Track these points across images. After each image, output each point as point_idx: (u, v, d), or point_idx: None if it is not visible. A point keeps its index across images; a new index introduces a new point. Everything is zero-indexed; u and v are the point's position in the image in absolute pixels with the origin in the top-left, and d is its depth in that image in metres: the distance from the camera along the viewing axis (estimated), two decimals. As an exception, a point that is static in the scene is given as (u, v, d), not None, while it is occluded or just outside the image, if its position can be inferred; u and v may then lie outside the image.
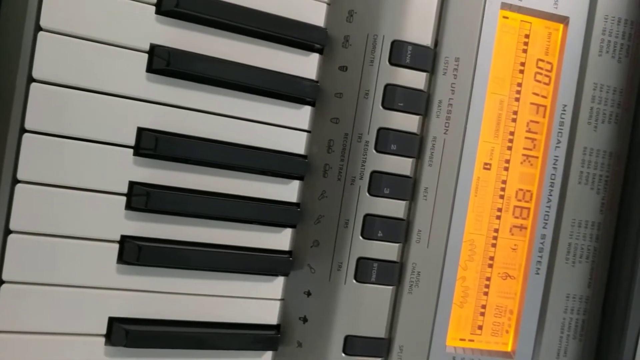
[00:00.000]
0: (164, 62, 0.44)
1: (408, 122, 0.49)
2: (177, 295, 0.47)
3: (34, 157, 0.42)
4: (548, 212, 0.52)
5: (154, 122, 0.45)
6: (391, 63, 0.48)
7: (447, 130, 0.50)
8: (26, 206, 0.42)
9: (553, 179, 0.52)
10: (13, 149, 0.42)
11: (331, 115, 0.49)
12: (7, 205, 0.41)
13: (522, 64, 0.52)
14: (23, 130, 0.41)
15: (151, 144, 0.44)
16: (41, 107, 0.42)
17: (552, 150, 0.52)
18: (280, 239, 0.49)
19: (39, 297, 0.43)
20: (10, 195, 0.41)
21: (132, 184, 0.45)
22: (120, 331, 0.45)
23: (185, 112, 0.46)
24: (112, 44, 0.43)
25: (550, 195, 0.52)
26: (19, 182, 0.41)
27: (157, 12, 0.44)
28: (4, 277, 0.42)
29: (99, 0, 0.42)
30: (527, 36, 0.52)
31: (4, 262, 0.42)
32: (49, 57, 0.42)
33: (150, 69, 0.44)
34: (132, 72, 0.44)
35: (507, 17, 0.51)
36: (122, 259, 0.45)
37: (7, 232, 0.42)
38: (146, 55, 0.44)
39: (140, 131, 0.45)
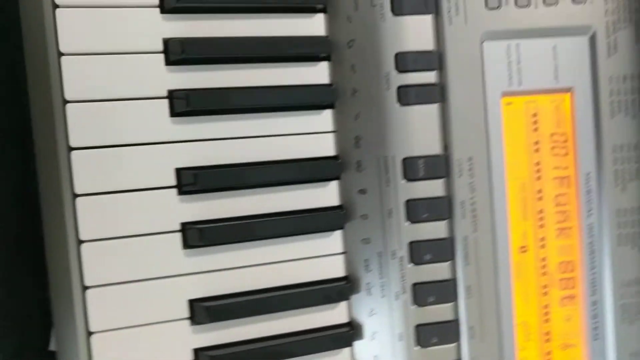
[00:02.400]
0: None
1: (436, 229, 0.56)
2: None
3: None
4: (594, 277, 0.59)
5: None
6: (407, 179, 0.56)
7: (475, 227, 0.57)
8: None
9: (592, 246, 0.58)
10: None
11: (361, 236, 0.58)
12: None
13: (537, 143, 0.59)
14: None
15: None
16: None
17: (585, 218, 0.58)
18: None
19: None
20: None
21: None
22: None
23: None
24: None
25: (593, 261, 0.59)
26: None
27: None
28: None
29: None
30: (535, 115, 0.59)
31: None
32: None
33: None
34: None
35: (510, 103, 0.58)
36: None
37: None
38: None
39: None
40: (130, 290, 0.52)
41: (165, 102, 0.53)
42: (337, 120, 0.57)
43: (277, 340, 0.56)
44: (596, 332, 0.59)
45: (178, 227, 0.54)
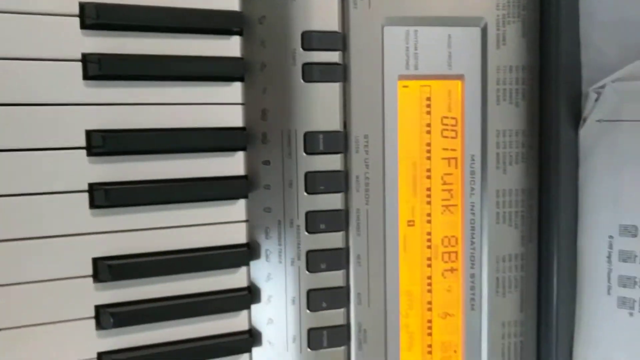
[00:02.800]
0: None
1: (332, 201, 0.61)
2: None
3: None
4: (473, 253, 0.65)
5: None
6: (307, 152, 0.60)
7: (367, 200, 0.62)
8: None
9: (473, 223, 0.65)
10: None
11: (264, 205, 0.62)
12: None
13: (428, 125, 0.64)
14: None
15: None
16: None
17: (468, 197, 0.64)
18: (239, 323, 0.64)
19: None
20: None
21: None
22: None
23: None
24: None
25: (473, 237, 0.65)
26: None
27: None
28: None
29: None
30: (428, 98, 0.64)
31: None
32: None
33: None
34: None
35: (406, 86, 0.63)
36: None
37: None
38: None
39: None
40: (35, 246, 0.55)
41: (79, 64, 0.55)
42: (246, 93, 0.61)
43: (179, 300, 0.60)
44: (473, 302, 0.66)
45: (86, 187, 0.56)
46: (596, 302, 0.64)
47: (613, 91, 0.63)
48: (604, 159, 0.63)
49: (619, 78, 0.62)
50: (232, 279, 0.62)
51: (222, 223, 0.62)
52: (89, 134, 0.56)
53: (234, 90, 0.61)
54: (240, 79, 0.61)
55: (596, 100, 0.64)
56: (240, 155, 0.62)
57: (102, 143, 0.56)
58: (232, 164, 0.62)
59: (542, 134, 0.65)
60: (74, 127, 0.55)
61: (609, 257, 0.63)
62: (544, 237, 0.66)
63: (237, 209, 0.62)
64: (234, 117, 0.61)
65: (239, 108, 0.61)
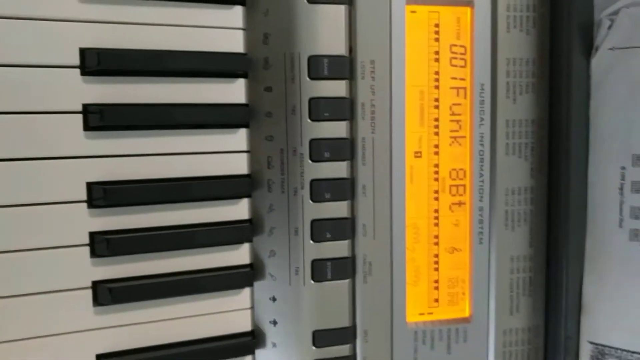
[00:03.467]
0: (98, 118, 0.55)
1: (336, 129, 0.59)
2: (157, 323, 0.59)
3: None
4: (482, 185, 0.63)
5: (101, 175, 0.55)
6: (311, 77, 0.58)
7: (374, 129, 0.60)
8: None
9: (482, 155, 0.63)
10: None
11: (265, 133, 0.60)
12: None
13: (437, 52, 0.62)
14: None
15: (100, 195, 0.55)
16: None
17: (477, 127, 0.63)
18: (240, 255, 0.62)
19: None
20: None
21: (92, 234, 0.56)
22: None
23: (127, 159, 0.57)
24: (46, 112, 0.53)
25: (482, 170, 0.63)
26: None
27: (82, 73, 0.54)
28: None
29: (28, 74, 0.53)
30: (437, 25, 0.62)
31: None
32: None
33: (87, 127, 0.55)
34: (71, 132, 0.54)
35: (414, 12, 0.61)
36: (97, 301, 0.57)
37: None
38: (81, 115, 0.54)
39: (90, 185, 0.55)
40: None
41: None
42: (247, 15, 0.59)
43: (180, 229, 0.59)
44: (481, 236, 0.64)
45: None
46: (607, 236, 0.62)
47: (627, 17, 0.61)
48: (617, 88, 0.61)
49: (633, 3, 0.60)
50: (233, 210, 0.61)
51: (223, 152, 0.60)
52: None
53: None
54: (242, 3, 0.59)
55: (609, 27, 0.62)
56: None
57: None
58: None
59: (552, 63, 0.63)
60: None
61: (621, 188, 0.62)
62: (554, 169, 0.64)
63: (238, 138, 0.60)
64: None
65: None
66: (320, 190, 0.60)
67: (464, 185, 0.64)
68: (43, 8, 0.53)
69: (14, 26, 0.52)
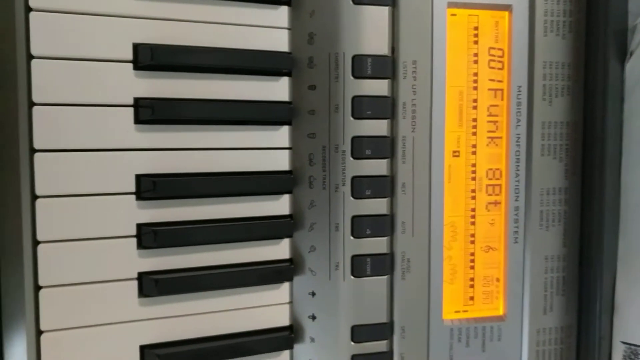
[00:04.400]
0: (149, 112, 0.57)
1: (378, 127, 0.60)
2: (199, 316, 0.60)
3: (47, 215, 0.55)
4: (517, 185, 0.65)
5: (149, 168, 0.57)
6: (354, 76, 0.60)
7: (414, 128, 0.62)
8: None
9: (518, 155, 0.64)
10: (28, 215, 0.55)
11: (308, 131, 0.62)
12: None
13: (475, 55, 0.64)
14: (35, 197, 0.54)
15: (149, 187, 0.56)
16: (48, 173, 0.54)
17: (514, 129, 0.64)
18: (281, 250, 0.63)
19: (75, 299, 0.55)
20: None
21: (139, 226, 0.57)
22: (154, 357, 0.58)
23: (176, 152, 0.58)
24: (99, 104, 0.55)
25: (518, 170, 0.65)
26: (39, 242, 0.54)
27: (135, 67, 0.56)
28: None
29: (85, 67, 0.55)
30: (476, 28, 0.64)
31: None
32: (46, 126, 0.54)
33: (138, 120, 0.56)
34: (123, 125, 0.56)
35: (455, 15, 0.62)
36: (142, 292, 0.58)
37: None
38: (132, 108, 0.56)
39: (139, 177, 0.57)
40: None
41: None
42: (293, 16, 0.61)
43: (225, 223, 0.60)
44: (516, 236, 0.65)
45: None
46: (641, 237, 0.63)
47: (661, 23, 0.62)
48: (651, 92, 0.63)
49: (668, 9, 0.62)
50: (275, 206, 0.62)
51: (267, 149, 0.61)
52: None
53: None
54: (288, 3, 0.61)
55: (643, 33, 0.63)
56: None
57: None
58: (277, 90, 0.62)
59: (587, 67, 0.65)
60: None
61: (654, 190, 0.63)
62: (588, 171, 0.65)
63: (281, 134, 0.62)
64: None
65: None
66: (361, 187, 0.61)
67: (500, 185, 0.65)
68: (100, 4, 0.54)
69: (72, 21, 0.53)
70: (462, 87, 0.63)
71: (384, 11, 0.60)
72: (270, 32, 0.60)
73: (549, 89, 0.64)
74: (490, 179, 0.65)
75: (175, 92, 0.57)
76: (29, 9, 0.52)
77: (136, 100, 0.56)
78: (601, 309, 0.65)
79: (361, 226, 0.61)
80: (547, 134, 0.64)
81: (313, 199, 0.62)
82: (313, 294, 0.62)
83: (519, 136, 0.64)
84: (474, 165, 0.64)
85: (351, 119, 0.60)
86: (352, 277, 0.62)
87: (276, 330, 0.63)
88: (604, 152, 0.64)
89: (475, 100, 0.64)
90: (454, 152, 0.64)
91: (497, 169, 0.65)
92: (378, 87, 0.61)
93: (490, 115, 0.64)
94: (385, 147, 0.61)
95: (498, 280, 0.66)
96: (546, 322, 0.66)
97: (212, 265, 0.60)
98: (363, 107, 0.60)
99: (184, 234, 0.58)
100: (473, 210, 0.65)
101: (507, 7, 0.63)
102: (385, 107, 0.61)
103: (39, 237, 0.54)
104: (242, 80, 0.60)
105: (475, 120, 0.64)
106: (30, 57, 0.53)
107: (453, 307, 0.65)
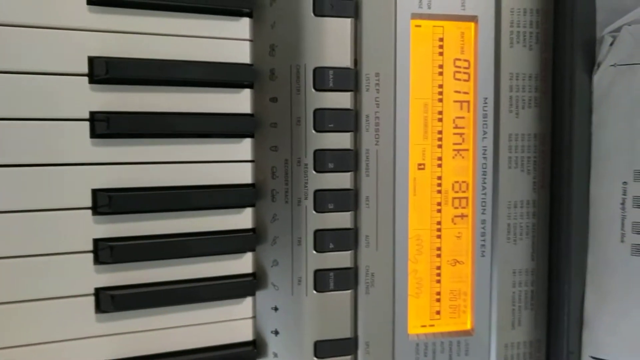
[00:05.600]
0: (105, 125, 0.55)
1: (341, 140, 0.59)
2: (159, 331, 0.59)
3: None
4: (484, 198, 0.64)
5: (106, 182, 0.56)
6: (316, 89, 0.59)
7: (377, 141, 0.61)
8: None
9: (485, 168, 0.63)
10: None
11: (270, 144, 0.61)
12: None
13: (441, 66, 0.63)
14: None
15: (105, 202, 0.56)
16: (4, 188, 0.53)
17: (480, 141, 0.63)
18: (243, 264, 0.62)
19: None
20: None
21: (96, 241, 0.56)
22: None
23: (133, 167, 0.57)
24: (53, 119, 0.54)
25: (484, 182, 0.64)
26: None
27: (90, 81, 0.55)
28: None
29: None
30: (441, 39, 0.63)
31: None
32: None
33: (94, 134, 0.55)
34: (79, 140, 0.55)
35: (419, 26, 0.62)
36: (99, 308, 0.57)
37: None
38: (88, 122, 0.55)
39: (95, 192, 0.56)
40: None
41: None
42: (255, 27, 0.60)
43: (183, 237, 0.59)
44: (483, 249, 0.64)
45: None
46: (609, 250, 0.63)
47: (629, 34, 0.61)
48: (619, 103, 0.62)
49: (635, 20, 0.61)
50: (238, 219, 0.61)
51: (228, 162, 0.61)
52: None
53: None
54: (249, 15, 0.60)
55: (611, 44, 0.62)
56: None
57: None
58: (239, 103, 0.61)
59: (555, 79, 0.64)
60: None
61: (622, 203, 0.62)
62: (556, 184, 0.64)
63: (243, 147, 0.61)
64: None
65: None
66: (324, 200, 0.60)
67: (467, 198, 0.64)
68: (53, 17, 0.53)
69: (24, 34, 0.52)
70: (427, 99, 0.63)
71: (346, 23, 0.59)
72: (232, 43, 0.60)
73: (515, 100, 0.63)
74: (457, 192, 0.64)
75: (134, 106, 0.57)
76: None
77: (92, 114, 0.55)
78: (570, 323, 0.64)
79: (324, 240, 0.60)
80: (514, 146, 0.64)
81: (276, 213, 0.61)
82: (276, 308, 0.62)
83: (485, 148, 0.63)
84: (439, 177, 0.64)
85: (313, 132, 0.59)
86: (314, 291, 0.61)
87: (239, 346, 0.62)
88: (572, 164, 0.63)
89: (440, 112, 0.63)
90: (419, 164, 0.63)
91: (464, 182, 0.64)
92: (340, 99, 0.60)
93: (456, 127, 0.64)
94: (348, 160, 0.60)
95: (465, 294, 0.65)
96: (515, 337, 0.65)
97: (172, 280, 0.59)
98: (325, 120, 0.60)
99: (142, 249, 0.58)
100: (439, 223, 0.64)
101: (473, 18, 0.63)
102: (348, 120, 0.60)
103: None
104: (203, 92, 0.59)
105: (440, 132, 0.63)
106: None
107: (419, 321, 0.64)
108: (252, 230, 0.62)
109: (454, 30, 0.63)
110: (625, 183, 0.62)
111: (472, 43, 0.63)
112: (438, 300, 0.65)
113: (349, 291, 0.62)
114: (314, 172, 0.60)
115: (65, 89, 0.54)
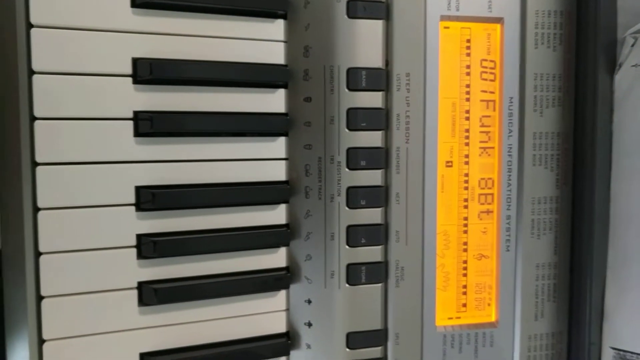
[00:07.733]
0: (148, 125, 0.58)
1: (372, 139, 0.62)
2: (198, 323, 0.61)
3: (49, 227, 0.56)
4: (509, 194, 0.66)
5: (149, 180, 0.58)
6: (349, 89, 0.61)
7: (408, 139, 0.63)
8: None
9: (510, 165, 0.66)
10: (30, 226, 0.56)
11: (304, 142, 0.63)
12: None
13: (468, 66, 0.65)
14: (37, 209, 0.55)
15: (148, 198, 0.58)
16: (50, 186, 0.55)
17: (505, 139, 0.65)
18: (277, 258, 0.64)
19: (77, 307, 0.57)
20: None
21: (139, 236, 0.58)
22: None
23: (173, 164, 0.59)
24: (100, 119, 0.57)
25: (510, 179, 0.66)
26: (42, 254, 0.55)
27: (134, 82, 0.57)
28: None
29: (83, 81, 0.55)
30: (468, 40, 0.65)
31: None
32: (48, 140, 0.55)
33: (137, 133, 0.58)
34: (123, 138, 0.57)
35: (447, 27, 0.64)
36: (142, 301, 0.60)
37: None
38: (132, 122, 0.57)
39: (138, 189, 0.58)
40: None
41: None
42: (289, 29, 0.62)
43: (220, 233, 0.62)
44: (508, 244, 0.67)
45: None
46: (629, 246, 0.65)
47: (650, 36, 0.64)
48: (639, 103, 0.64)
49: (656, 22, 0.63)
50: (271, 215, 0.63)
51: (263, 160, 0.63)
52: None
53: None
54: (284, 16, 0.62)
55: (632, 45, 0.65)
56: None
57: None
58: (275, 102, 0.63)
59: (578, 79, 0.66)
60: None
61: (643, 199, 0.64)
62: (578, 180, 0.67)
63: (278, 146, 0.63)
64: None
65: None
66: (356, 197, 0.62)
67: (492, 194, 0.67)
68: (99, 19, 0.55)
69: (72, 36, 0.54)
70: (454, 99, 0.65)
71: (378, 24, 0.62)
72: (267, 45, 0.62)
73: (540, 100, 0.66)
74: (483, 189, 0.66)
75: (174, 105, 0.59)
76: (30, 26, 0.53)
77: (135, 113, 0.57)
78: (591, 315, 0.66)
79: (356, 235, 0.63)
80: (538, 144, 0.66)
81: (309, 209, 0.63)
82: (309, 301, 0.64)
83: (510, 146, 0.66)
84: (466, 175, 0.66)
85: (346, 130, 0.62)
86: (347, 285, 0.63)
87: (273, 337, 0.65)
88: (594, 162, 0.65)
89: (467, 111, 0.65)
90: (447, 162, 0.65)
91: (490, 179, 0.66)
92: (372, 99, 0.62)
93: (482, 125, 0.66)
94: (379, 158, 0.63)
95: (490, 287, 0.67)
96: (537, 328, 0.68)
97: (210, 274, 0.62)
98: (358, 119, 0.62)
99: (182, 244, 0.60)
100: (466, 219, 0.66)
101: (499, 20, 0.65)
102: (380, 119, 0.62)
103: (41, 249, 0.55)
104: (240, 92, 0.61)
105: (467, 130, 0.66)
106: (31, 72, 0.54)
107: (446, 313, 0.67)
108: (286, 225, 0.64)
109: (480, 31, 0.65)
110: (645, 180, 0.64)
111: (498, 44, 0.65)
112: (464, 293, 0.67)
113: (379, 284, 0.64)
114: (346, 169, 0.62)
115: (111, 90, 0.56)
